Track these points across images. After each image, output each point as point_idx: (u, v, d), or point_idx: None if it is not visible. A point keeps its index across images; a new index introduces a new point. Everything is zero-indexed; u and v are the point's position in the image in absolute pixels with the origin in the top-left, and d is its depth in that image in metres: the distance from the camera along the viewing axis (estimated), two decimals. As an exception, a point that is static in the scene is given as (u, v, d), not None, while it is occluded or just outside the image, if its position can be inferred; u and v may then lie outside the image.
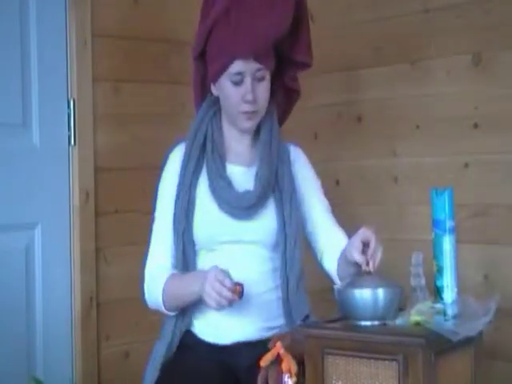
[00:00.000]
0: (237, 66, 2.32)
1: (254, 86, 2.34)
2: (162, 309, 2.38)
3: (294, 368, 2.17)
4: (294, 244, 2.39)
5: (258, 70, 2.34)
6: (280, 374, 2.18)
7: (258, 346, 2.28)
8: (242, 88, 2.34)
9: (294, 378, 2.17)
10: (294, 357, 2.19)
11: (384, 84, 2.99)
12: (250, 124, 2.40)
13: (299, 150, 2.54)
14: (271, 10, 2.31)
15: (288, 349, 2.19)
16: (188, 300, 2.32)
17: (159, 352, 2.37)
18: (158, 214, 2.46)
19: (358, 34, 3.05)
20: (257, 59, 2.32)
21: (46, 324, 2.92)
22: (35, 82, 2.91)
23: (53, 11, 2.95)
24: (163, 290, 2.35)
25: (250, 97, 2.33)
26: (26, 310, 2.89)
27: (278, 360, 2.19)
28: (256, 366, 2.22)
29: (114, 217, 3.08)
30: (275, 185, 2.41)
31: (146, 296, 2.43)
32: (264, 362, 2.18)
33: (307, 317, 2.39)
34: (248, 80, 2.33)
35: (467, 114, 2.76)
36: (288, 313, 2.39)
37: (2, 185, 2.83)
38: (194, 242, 2.39)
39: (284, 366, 2.17)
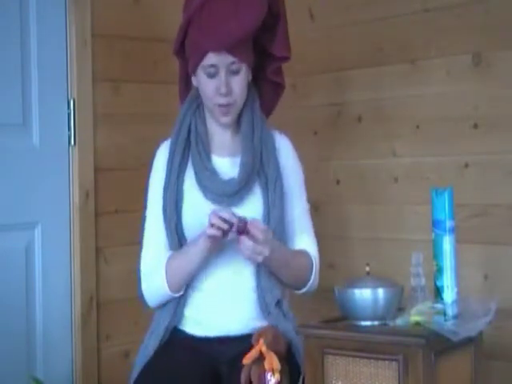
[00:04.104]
0: (210, 58, 2.36)
1: (229, 78, 2.38)
2: (167, 291, 2.39)
3: (277, 366, 2.18)
4: (275, 229, 2.40)
5: (232, 62, 2.37)
6: (263, 371, 2.18)
7: (242, 342, 2.31)
8: (216, 81, 2.38)
9: (277, 376, 2.18)
10: (276, 353, 2.20)
11: (384, 84, 2.99)
12: (226, 119, 2.43)
13: (285, 138, 2.55)
14: (239, 8, 2.35)
15: (270, 346, 2.20)
16: (195, 260, 2.35)
17: (151, 346, 2.41)
18: (148, 213, 2.51)
19: (358, 33, 3.05)
20: (230, 52, 2.35)
21: (46, 324, 2.92)
22: (35, 82, 2.91)
23: (53, 11, 2.94)
24: (166, 270, 2.39)
25: (223, 90, 2.37)
26: (26, 310, 2.88)
27: (260, 357, 2.19)
28: (237, 362, 2.23)
29: (114, 217, 3.08)
30: (260, 171, 2.44)
31: (145, 289, 2.45)
32: (247, 359, 2.18)
33: (279, 302, 2.40)
34: (222, 73, 2.37)
35: (467, 114, 2.77)
36: (262, 298, 2.40)
37: (2, 185, 2.83)
38: (184, 235, 2.43)
39: (267, 363, 2.18)
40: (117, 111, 3.11)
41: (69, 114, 2.98)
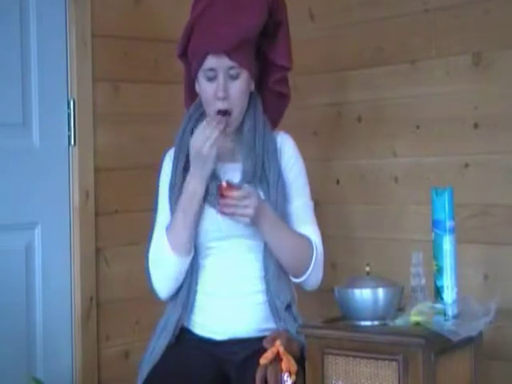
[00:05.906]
0: (209, 62, 2.38)
1: (227, 83, 2.38)
2: (172, 256, 2.37)
3: (294, 367, 2.18)
4: None
5: (231, 67, 2.38)
6: (279, 372, 2.18)
7: (251, 344, 2.31)
8: (214, 85, 2.39)
9: (294, 377, 2.18)
10: (292, 356, 2.20)
11: (384, 84, 2.99)
12: (226, 131, 2.40)
13: (287, 137, 2.53)
14: (239, 13, 2.37)
15: (286, 348, 2.20)
16: (188, 210, 2.36)
17: (159, 347, 2.40)
18: (157, 217, 2.49)
19: (358, 33, 3.05)
20: (229, 55, 2.36)
21: (46, 324, 2.92)
22: (35, 82, 2.91)
23: (53, 11, 2.94)
24: (166, 235, 2.38)
25: (221, 94, 2.37)
26: (26, 310, 2.88)
27: (277, 359, 2.19)
28: (247, 364, 2.23)
29: (114, 217, 3.08)
30: (262, 176, 2.44)
31: (153, 273, 2.43)
32: (264, 359, 2.18)
33: (289, 306, 2.39)
34: (221, 77, 2.38)
35: (467, 114, 2.76)
36: (272, 302, 2.39)
37: (2, 185, 2.83)
38: None
39: (284, 364, 2.17)
40: (117, 111, 3.11)
41: (69, 114, 2.98)
